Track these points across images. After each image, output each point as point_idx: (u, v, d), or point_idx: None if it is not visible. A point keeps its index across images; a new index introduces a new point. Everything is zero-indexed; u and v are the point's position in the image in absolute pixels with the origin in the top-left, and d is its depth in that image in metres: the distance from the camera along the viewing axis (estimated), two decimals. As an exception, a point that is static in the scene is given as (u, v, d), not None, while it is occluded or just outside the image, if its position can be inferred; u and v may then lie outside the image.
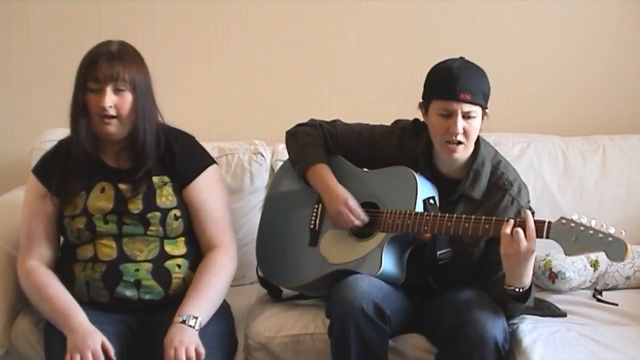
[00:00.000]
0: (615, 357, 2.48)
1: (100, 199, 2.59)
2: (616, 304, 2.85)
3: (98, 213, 2.58)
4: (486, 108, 2.59)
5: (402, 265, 2.62)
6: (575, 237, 2.35)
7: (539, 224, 2.40)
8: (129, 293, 2.55)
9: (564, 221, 2.37)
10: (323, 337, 2.59)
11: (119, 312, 2.57)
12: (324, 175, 2.72)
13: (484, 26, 3.50)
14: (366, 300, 2.46)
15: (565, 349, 2.51)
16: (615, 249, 2.32)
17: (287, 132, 2.86)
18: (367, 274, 2.56)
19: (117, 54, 2.55)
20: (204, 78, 3.52)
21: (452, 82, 2.52)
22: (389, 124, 2.80)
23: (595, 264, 2.99)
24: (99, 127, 2.54)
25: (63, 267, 2.61)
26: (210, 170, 2.68)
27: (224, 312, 2.62)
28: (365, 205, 2.69)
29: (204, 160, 2.70)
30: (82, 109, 2.55)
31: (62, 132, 3.27)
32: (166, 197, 2.61)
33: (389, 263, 2.59)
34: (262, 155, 3.25)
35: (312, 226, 2.76)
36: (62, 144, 2.68)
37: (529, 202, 2.66)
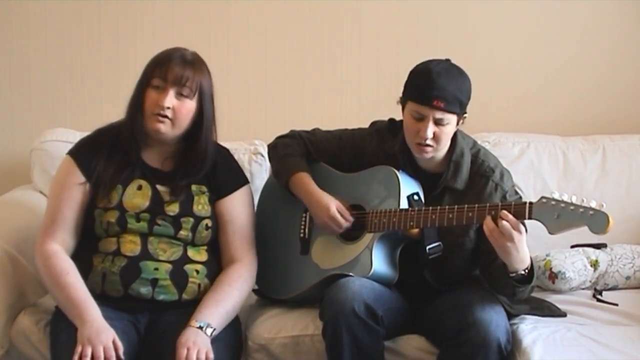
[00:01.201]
0: (615, 357, 2.47)
1: (137, 196, 2.59)
2: (616, 304, 2.85)
3: (132, 210, 2.57)
4: (464, 114, 2.57)
5: (394, 264, 2.63)
6: (557, 214, 2.35)
7: (520, 206, 2.41)
8: (144, 290, 2.54)
9: (544, 200, 2.38)
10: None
11: (128, 311, 2.56)
12: (305, 183, 2.73)
13: (484, 26, 3.50)
14: (357, 301, 2.46)
15: (565, 349, 2.51)
16: (597, 221, 2.30)
17: (268, 146, 2.89)
18: (359, 275, 2.57)
19: (191, 60, 2.57)
20: (204, 78, 3.52)
21: (428, 87, 2.51)
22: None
23: (595, 264, 2.99)
24: (150, 123, 2.54)
25: (81, 255, 2.59)
26: (246, 188, 2.73)
27: (233, 319, 2.63)
28: (351, 209, 2.70)
29: (242, 177, 2.75)
30: (141, 101, 2.55)
31: (62, 132, 3.29)
32: (202, 205, 2.62)
33: (379, 263, 2.59)
34: (262, 155, 3.25)
35: (302, 235, 2.78)
36: (103, 133, 2.65)
37: (512, 186, 2.67)
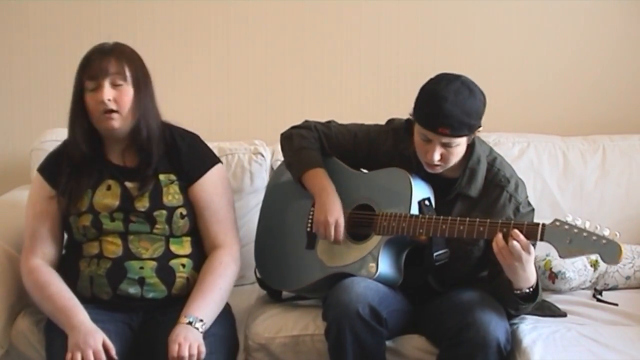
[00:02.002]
0: (615, 357, 2.47)
1: (107, 197, 2.59)
2: (616, 304, 2.85)
3: (104, 210, 2.58)
4: (477, 128, 2.52)
5: (400, 267, 2.62)
6: (569, 239, 2.34)
7: (532, 227, 2.39)
8: (132, 290, 2.55)
9: (557, 223, 2.36)
10: (323, 337, 2.58)
11: (121, 311, 2.57)
12: (321, 180, 2.70)
13: (484, 26, 3.50)
14: (362, 303, 2.46)
15: (565, 349, 2.51)
16: (609, 251, 2.31)
17: (282, 135, 2.84)
18: (364, 276, 2.56)
19: (110, 50, 2.56)
20: (204, 78, 3.52)
21: (433, 114, 2.46)
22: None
23: (595, 264, 2.99)
24: (102, 123, 2.54)
25: (68, 262, 2.61)
26: (216, 169, 2.69)
27: (225, 313, 2.62)
28: (360, 208, 2.68)
29: (210, 158, 2.70)
30: (82, 111, 2.55)
31: (63, 132, 3.26)
32: (172, 195, 2.61)
33: (385, 265, 2.59)
34: (262, 155, 3.25)
35: (308, 229, 2.75)
36: (66, 144, 2.67)
37: (526, 197, 2.65)
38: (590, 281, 3.01)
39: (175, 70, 3.49)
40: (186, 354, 2.39)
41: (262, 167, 3.24)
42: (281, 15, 3.49)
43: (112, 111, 2.52)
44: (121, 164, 2.63)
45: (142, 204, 2.58)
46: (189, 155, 2.65)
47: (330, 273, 2.64)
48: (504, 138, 3.27)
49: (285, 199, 2.86)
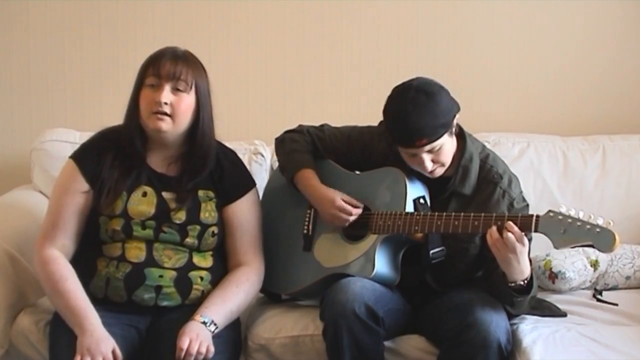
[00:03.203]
0: (615, 357, 2.47)
1: (142, 203, 2.55)
2: (616, 304, 2.85)
3: (137, 217, 2.54)
4: (453, 120, 2.53)
5: (396, 266, 2.62)
6: (563, 229, 2.34)
7: (526, 219, 2.40)
8: (147, 297, 2.52)
9: (551, 214, 2.37)
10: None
11: (130, 314, 2.55)
12: (310, 180, 2.72)
13: (484, 26, 3.50)
14: (358, 302, 2.46)
15: (565, 349, 2.51)
16: (604, 239, 2.30)
17: (276, 139, 2.87)
18: (361, 276, 2.56)
19: (182, 55, 2.55)
20: (204, 78, 3.52)
21: (403, 131, 2.49)
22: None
23: (595, 264, 2.99)
24: (151, 122, 2.50)
25: (86, 258, 2.56)
26: (253, 191, 2.70)
27: None
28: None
29: (249, 180, 2.72)
30: (137, 106, 2.53)
31: (63, 132, 3.29)
32: (209, 212, 2.60)
33: (382, 264, 2.59)
34: (262, 155, 3.25)
35: (305, 231, 2.77)
36: (106, 136, 2.62)
37: (521, 192, 2.66)
38: (590, 281, 3.01)
39: (175, 70, 3.49)
40: (195, 350, 2.39)
41: (262, 167, 3.24)
42: (281, 15, 3.49)
43: (164, 113, 2.49)
44: (163, 171, 2.59)
45: (179, 217, 2.55)
46: (231, 175, 2.64)
47: (328, 274, 2.65)
48: (504, 138, 3.28)
49: (280, 203, 2.88)
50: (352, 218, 2.64)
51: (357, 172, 2.77)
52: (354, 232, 2.67)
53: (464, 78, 3.46)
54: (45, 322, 2.67)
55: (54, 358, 2.52)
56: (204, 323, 2.46)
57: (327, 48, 3.50)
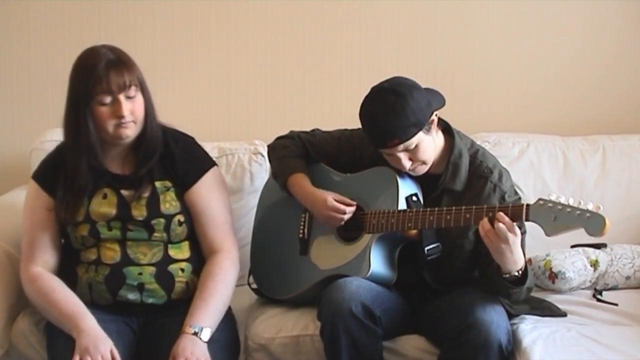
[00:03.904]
0: (615, 357, 2.47)
1: (103, 205, 2.57)
2: (616, 304, 2.85)
3: (101, 219, 2.56)
4: (429, 117, 2.53)
5: (393, 265, 2.63)
6: (554, 216, 2.34)
7: (517, 208, 2.41)
8: (132, 296, 2.54)
9: (541, 202, 2.37)
10: (323, 338, 2.59)
11: (121, 315, 2.56)
12: (302, 183, 2.74)
13: (484, 26, 3.50)
14: (354, 301, 2.46)
15: (565, 349, 2.51)
16: (594, 224, 2.29)
17: (268, 146, 2.90)
18: (357, 276, 2.57)
19: (117, 61, 2.50)
20: (204, 78, 3.52)
21: (376, 134, 2.53)
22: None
23: (595, 264, 2.99)
24: (117, 132, 2.50)
25: (66, 268, 2.60)
26: (211, 173, 2.66)
27: (226, 316, 2.61)
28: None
29: (205, 162, 2.68)
30: (85, 121, 2.48)
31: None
32: (170, 202, 2.59)
33: (378, 263, 2.59)
34: (262, 155, 3.25)
35: (301, 235, 2.78)
36: (61, 150, 2.63)
37: (512, 186, 2.67)
38: (590, 281, 3.00)
39: (175, 70, 3.49)
40: None
41: (262, 167, 3.24)
42: (281, 15, 3.49)
43: (128, 121, 2.49)
44: (119, 172, 2.60)
45: (140, 213, 2.56)
46: (183, 161, 2.62)
47: (325, 276, 2.65)
48: (504, 138, 3.28)
49: (275, 209, 2.89)
50: (346, 217, 2.65)
51: (349, 174, 2.77)
52: (349, 233, 2.68)
53: (464, 78, 3.46)
54: (45, 323, 2.66)
55: (52, 359, 2.53)
56: (195, 334, 2.44)
57: (327, 48, 3.50)
